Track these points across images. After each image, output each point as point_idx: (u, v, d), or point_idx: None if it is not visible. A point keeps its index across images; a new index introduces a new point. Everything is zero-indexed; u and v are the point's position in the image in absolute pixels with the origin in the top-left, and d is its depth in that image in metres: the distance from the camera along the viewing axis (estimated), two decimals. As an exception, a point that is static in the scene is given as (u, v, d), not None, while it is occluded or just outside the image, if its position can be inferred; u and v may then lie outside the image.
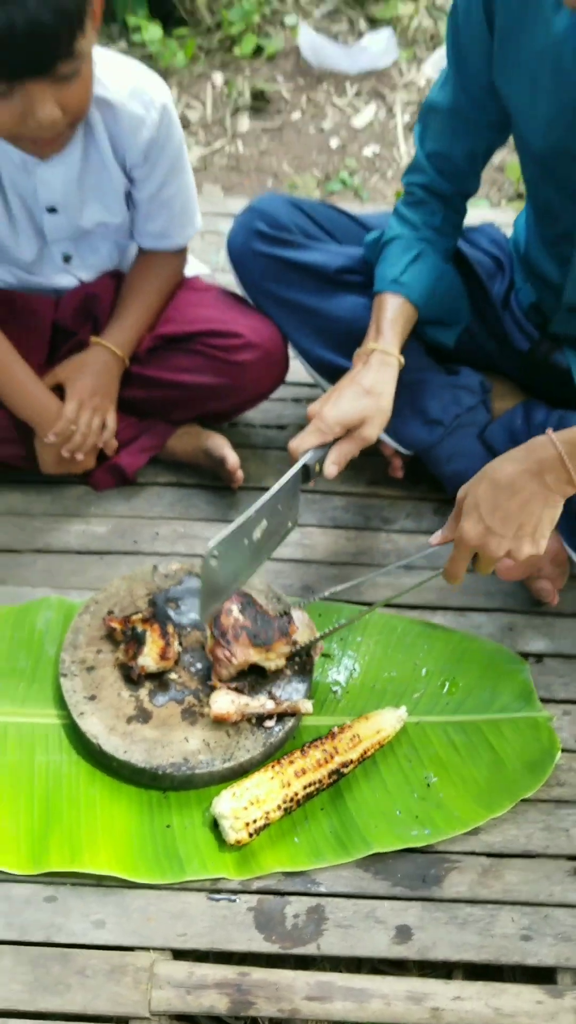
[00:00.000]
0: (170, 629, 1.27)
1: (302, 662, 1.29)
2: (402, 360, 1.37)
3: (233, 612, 1.24)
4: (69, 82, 1.20)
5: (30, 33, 1.11)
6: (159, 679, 1.27)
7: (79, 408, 1.47)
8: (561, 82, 1.20)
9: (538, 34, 1.21)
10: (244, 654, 1.23)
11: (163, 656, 1.25)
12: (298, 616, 1.29)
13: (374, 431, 1.31)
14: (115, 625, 1.29)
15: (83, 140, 1.38)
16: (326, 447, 1.30)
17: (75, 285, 1.56)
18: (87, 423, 1.47)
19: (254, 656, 1.25)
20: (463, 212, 1.49)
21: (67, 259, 1.52)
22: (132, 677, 1.26)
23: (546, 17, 1.19)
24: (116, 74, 1.36)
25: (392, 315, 1.38)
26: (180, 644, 1.29)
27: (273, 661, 1.26)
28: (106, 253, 1.56)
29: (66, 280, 1.55)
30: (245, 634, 1.23)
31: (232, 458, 1.54)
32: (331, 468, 1.29)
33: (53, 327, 1.56)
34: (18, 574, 1.46)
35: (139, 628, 1.26)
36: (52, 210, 1.43)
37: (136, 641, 1.26)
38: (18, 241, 1.46)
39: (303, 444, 1.29)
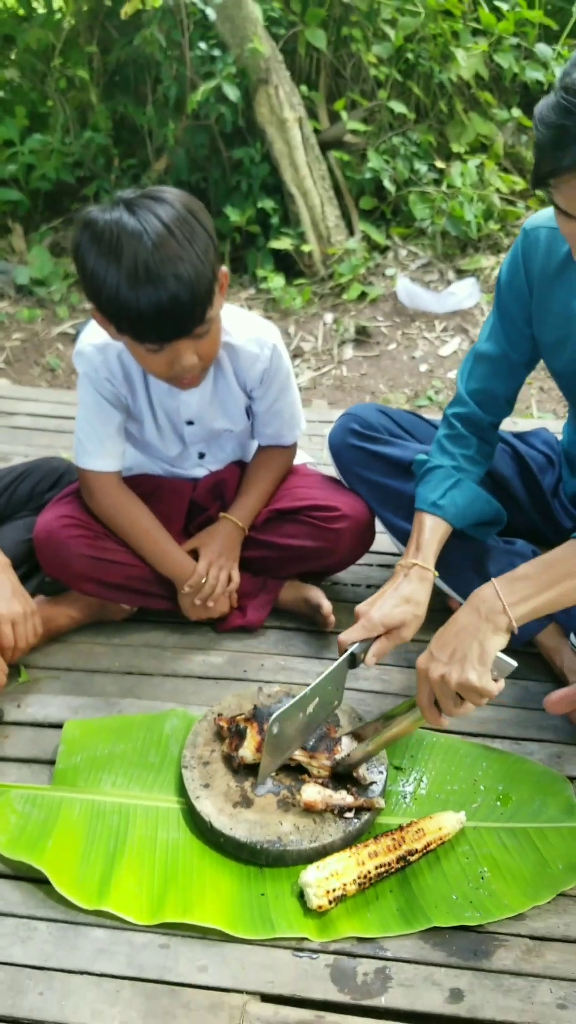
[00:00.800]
0: (265, 728, 1.56)
1: (378, 768, 1.56)
2: (436, 573, 1.60)
3: None
4: (203, 337, 1.56)
5: (172, 308, 1.46)
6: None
7: (209, 566, 1.84)
8: None
9: (564, 301, 1.57)
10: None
11: (259, 749, 1.53)
12: (345, 742, 1.56)
13: (409, 633, 1.55)
14: (222, 724, 1.59)
15: (214, 372, 1.78)
16: (369, 641, 1.53)
17: (207, 474, 1.98)
18: (215, 577, 1.84)
19: (298, 755, 1.53)
20: (494, 442, 1.77)
21: (201, 456, 1.94)
22: (233, 766, 1.54)
23: (570, 289, 1.55)
24: (238, 324, 1.76)
25: (429, 535, 1.62)
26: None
27: (314, 767, 1.53)
28: (231, 450, 1.98)
29: (201, 471, 1.97)
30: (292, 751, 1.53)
31: (326, 605, 1.88)
32: (371, 659, 1.52)
33: (190, 504, 1.96)
34: (152, 692, 1.78)
35: (241, 725, 1.56)
36: (190, 423, 1.84)
37: (238, 736, 1.55)
38: (164, 444, 1.88)
39: (350, 637, 1.52)
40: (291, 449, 1.97)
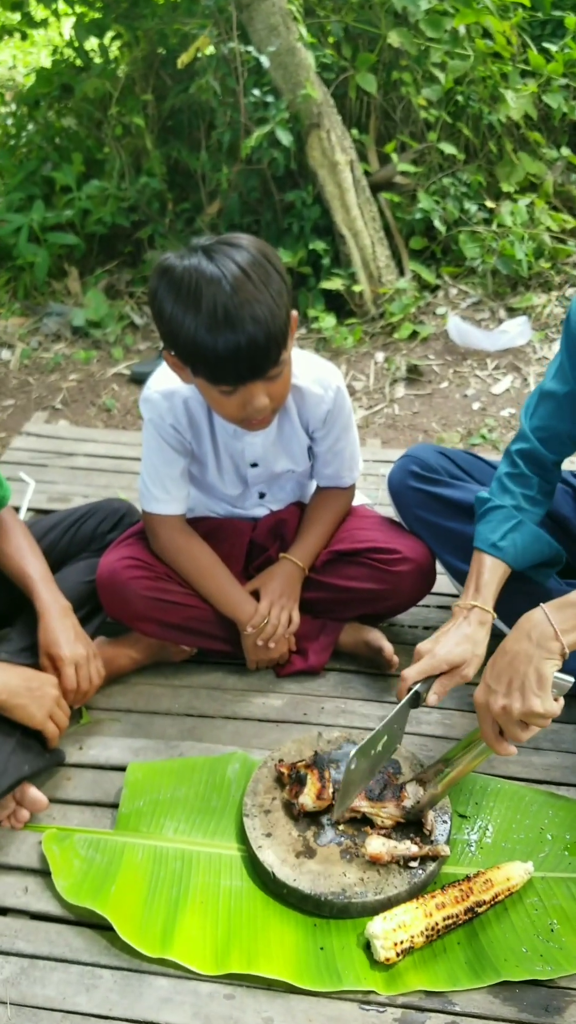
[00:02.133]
0: (327, 775, 1.54)
1: (442, 817, 1.53)
2: (495, 615, 1.59)
3: None
4: (276, 380, 1.57)
5: (249, 351, 1.48)
6: (322, 824, 1.53)
7: (270, 606, 1.84)
8: None
9: None
10: (356, 802, 1.51)
11: (319, 796, 1.52)
12: (411, 789, 1.53)
13: (471, 672, 1.54)
14: (283, 770, 1.58)
15: (279, 414, 1.79)
16: (430, 681, 1.53)
17: (267, 514, 1.98)
18: (276, 617, 1.84)
19: (364, 807, 1.51)
20: (555, 480, 1.73)
21: (262, 496, 1.95)
22: (293, 813, 1.53)
23: None
24: (303, 366, 1.77)
25: (488, 576, 1.61)
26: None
27: (381, 817, 1.51)
28: (291, 490, 1.99)
29: (261, 511, 1.97)
30: (364, 789, 1.51)
31: (388, 647, 1.87)
32: (432, 698, 1.52)
33: (250, 544, 1.96)
34: (212, 734, 1.78)
35: (302, 772, 1.55)
36: (254, 464, 1.85)
37: (299, 783, 1.54)
38: (225, 485, 1.89)
39: (414, 673, 1.53)
40: (350, 490, 1.97)
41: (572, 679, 1.32)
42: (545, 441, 1.69)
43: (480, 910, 1.41)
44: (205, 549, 1.86)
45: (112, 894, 1.45)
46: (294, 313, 1.58)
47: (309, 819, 1.54)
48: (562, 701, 1.33)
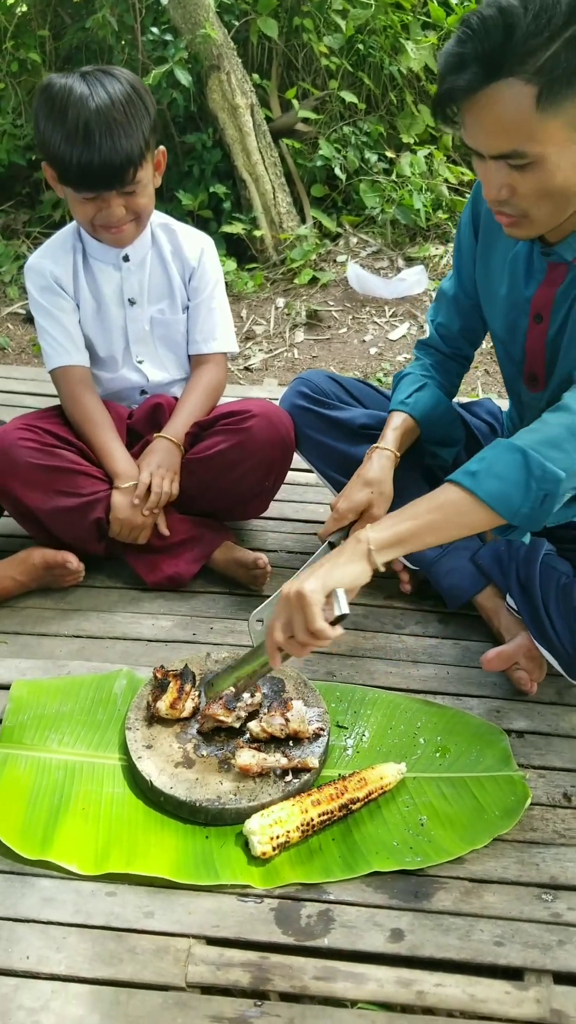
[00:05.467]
0: (187, 690, 1.58)
1: (316, 731, 1.58)
2: (398, 455, 1.75)
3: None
4: (132, 194, 1.79)
5: (102, 167, 1.70)
6: (204, 736, 1.57)
7: (151, 476, 1.89)
8: (512, 284, 1.60)
9: (503, 249, 1.61)
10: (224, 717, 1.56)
11: (172, 706, 1.56)
12: (297, 706, 1.58)
13: (380, 511, 1.68)
14: (157, 674, 1.61)
15: (153, 253, 1.98)
16: (346, 529, 1.67)
17: (145, 383, 2.04)
18: (158, 484, 1.88)
19: (232, 721, 1.56)
20: (465, 364, 1.89)
21: (140, 362, 2.03)
22: (146, 715, 1.58)
23: (508, 244, 1.59)
24: (179, 225, 2.02)
25: (395, 425, 1.78)
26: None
27: (257, 730, 1.55)
28: (167, 361, 2.06)
29: (137, 377, 2.05)
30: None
31: (262, 558, 1.92)
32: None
33: (128, 433, 2.01)
34: (102, 654, 1.80)
35: (167, 680, 1.58)
36: (132, 302, 1.96)
37: (160, 689, 1.58)
38: (105, 334, 1.98)
39: (327, 530, 1.70)
40: (221, 363, 2.06)
41: (347, 610, 1.33)
42: (443, 337, 1.85)
43: (354, 807, 1.47)
44: (101, 406, 1.96)
45: (-7, 803, 1.45)
46: (161, 148, 1.83)
47: (193, 733, 1.57)
48: (339, 630, 1.35)
